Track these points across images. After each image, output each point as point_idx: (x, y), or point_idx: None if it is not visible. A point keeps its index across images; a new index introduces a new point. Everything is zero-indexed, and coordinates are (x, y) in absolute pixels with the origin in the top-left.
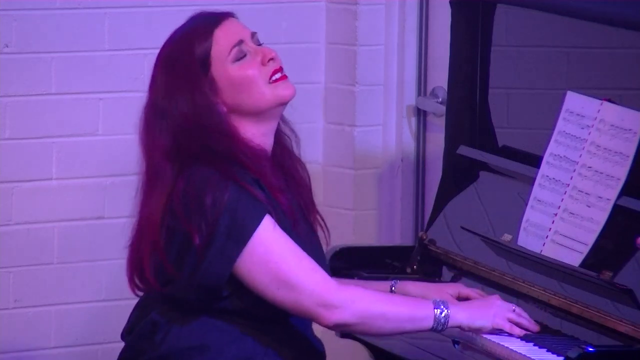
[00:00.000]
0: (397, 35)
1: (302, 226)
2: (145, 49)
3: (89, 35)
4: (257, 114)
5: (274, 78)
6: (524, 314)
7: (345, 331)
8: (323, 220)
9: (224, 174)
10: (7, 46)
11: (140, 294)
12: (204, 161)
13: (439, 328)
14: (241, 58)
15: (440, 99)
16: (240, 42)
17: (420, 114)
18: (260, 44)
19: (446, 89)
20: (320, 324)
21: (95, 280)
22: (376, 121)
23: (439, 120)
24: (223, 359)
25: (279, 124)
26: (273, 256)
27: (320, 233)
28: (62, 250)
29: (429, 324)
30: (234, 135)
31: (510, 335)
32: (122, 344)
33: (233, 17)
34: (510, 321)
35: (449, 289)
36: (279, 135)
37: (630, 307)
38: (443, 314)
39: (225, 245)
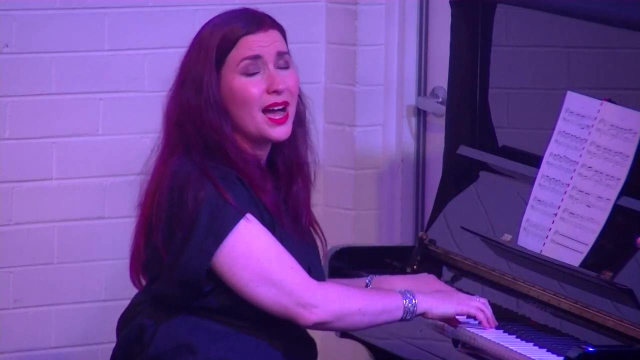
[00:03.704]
0: (397, 35)
1: (291, 227)
2: (145, 49)
3: (89, 35)
4: (245, 132)
5: (271, 109)
6: (488, 307)
7: (324, 329)
8: (320, 230)
9: (204, 171)
10: (7, 46)
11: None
12: (192, 149)
13: (408, 317)
14: (251, 74)
15: (440, 99)
16: (257, 57)
17: (420, 114)
18: (286, 67)
19: (446, 89)
20: (299, 323)
21: (95, 280)
22: (376, 121)
23: (439, 120)
24: (213, 356)
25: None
26: (254, 253)
27: (318, 242)
28: (62, 250)
29: (399, 314)
30: (226, 135)
31: (473, 319)
32: None
33: (275, 29)
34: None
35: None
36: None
37: (630, 307)
38: (411, 304)
39: (204, 240)
